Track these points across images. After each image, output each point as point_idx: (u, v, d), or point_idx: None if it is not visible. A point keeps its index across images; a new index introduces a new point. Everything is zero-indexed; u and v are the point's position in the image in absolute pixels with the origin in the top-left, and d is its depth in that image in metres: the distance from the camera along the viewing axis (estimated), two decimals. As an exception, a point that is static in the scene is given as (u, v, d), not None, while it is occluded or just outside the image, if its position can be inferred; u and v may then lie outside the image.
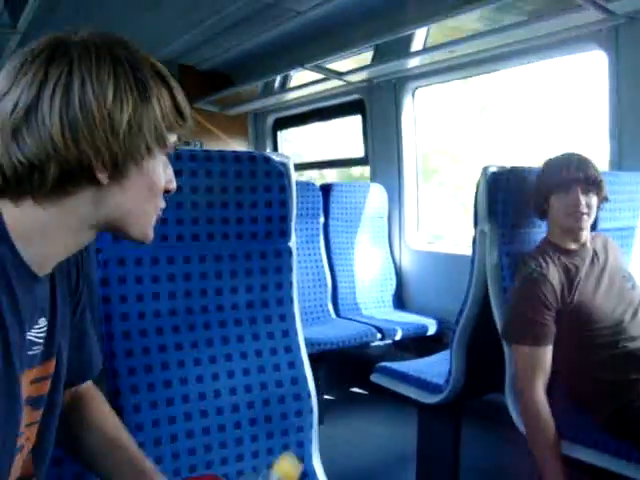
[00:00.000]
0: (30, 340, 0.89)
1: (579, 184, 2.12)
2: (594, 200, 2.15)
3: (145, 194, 0.91)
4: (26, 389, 0.89)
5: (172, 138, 0.91)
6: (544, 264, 2.11)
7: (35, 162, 0.80)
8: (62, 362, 0.99)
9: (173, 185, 0.96)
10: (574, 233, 2.17)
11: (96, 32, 0.87)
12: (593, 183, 2.13)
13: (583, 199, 2.12)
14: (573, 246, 2.19)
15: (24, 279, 0.85)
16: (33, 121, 0.79)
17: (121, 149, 0.83)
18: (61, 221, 0.86)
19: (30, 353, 0.89)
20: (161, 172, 0.92)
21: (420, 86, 4.31)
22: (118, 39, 0.87)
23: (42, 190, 0.82)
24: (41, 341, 0.92)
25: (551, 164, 2.21)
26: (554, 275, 2.09)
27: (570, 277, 2.12)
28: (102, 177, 0.84)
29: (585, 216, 2.13)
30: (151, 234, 0.95)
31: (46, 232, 0.86)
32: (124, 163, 0.85)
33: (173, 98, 0.89)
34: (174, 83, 0.90)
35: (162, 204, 0.95)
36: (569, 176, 2.13)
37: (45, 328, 0.93)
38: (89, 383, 1.19)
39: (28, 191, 0.82)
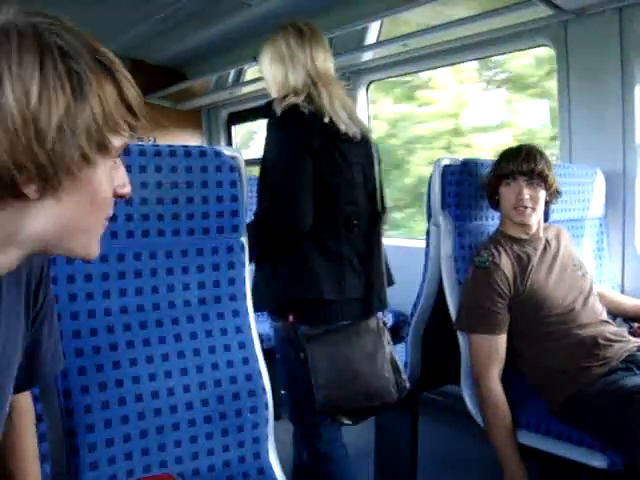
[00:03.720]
0: None
1: (523, 176, 2.16)
2: (541, 193, 2.18)
3: (86, 207, 0.77)
4: None
5: (118, 142, 0.76)
6: (496, 253, 2.14)
7: None
8: (6, 382, 0.91)
9: (126, 190, 0.83)
10: (522, 225, 2.21)
11: (23, 12, 0.71)
12: (538, 176, 2.16)
13: (527, 192, 2.15)
14: (524, 236, 2.23)
15: None
16: None
17: (50, 160, 0.69)
18: None
19: None
20: (105, 181, 0.78)
21: (374, 79, 4.32)
22: (51, 21, 0.71)
23: None
24: None
25: (502, 155, 2.25)
26: (506, 264, 2.13)
27: (522, 266, 2.16)
28: (29, 191, 0.71)
29: (529, 210, 2.17)
30: (95, 250, 0.83)
31: None
32: (55, 175, 0.71)
33: (120, 93, 0.74)
34: (122, 74, 0.75)
35: (109, 213, 0.82)
36: (514, 168, 2.16)
37: None
38: (27, 394, 1.14)
39: None
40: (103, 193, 0.78)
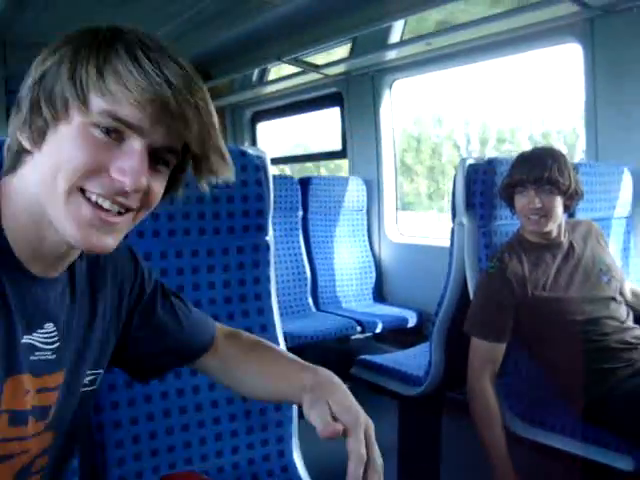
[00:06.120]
0: (31, 344, 0.84)
1: (533, 184, 2.08)
2: (556, 200, 2.09)
3: (50, 169, 0.77)
4: (29, 397, 0.84)
5: (99, 103, 0.75)
6: (507, 259, 2.11)
7: None
8: (74, 378, 0.93)
9: (122, 177, 0.77)
10: (537, 233, 2.16)
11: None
12: (549, 183, 2.06)
13: (538, 200, 2.07)
14: (544, 241, 2.18)
15: (17, 278, 0.82)
16: None
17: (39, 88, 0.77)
18: (19, 199, 0.81)
19: (33, 358, 0.84)
20: (76, 146, 0.76)
21: (398, 78, 4.31)
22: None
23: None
24: (49, 347, 0.87)
25: (515, 161, 2.18)
26: (516, 271, 2.09)
27: (539, 272, 2.12)
28: (22, 138, 0.79)
29: (542, 218, 2.10)
30: (77, 235, 0.79)
31: (16, 215, 0.82)
32: (39, 113, 0.77)
33: (119, 65, 0.75)
34: (140, 57, 0.76)
35: (77, 184, 0.77)
36: (523, 176, 2.10)
37: (55, 334, 0.88)
38: (215, 337, 1.17)
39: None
40: (68, 155, 0.77)
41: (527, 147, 2.31)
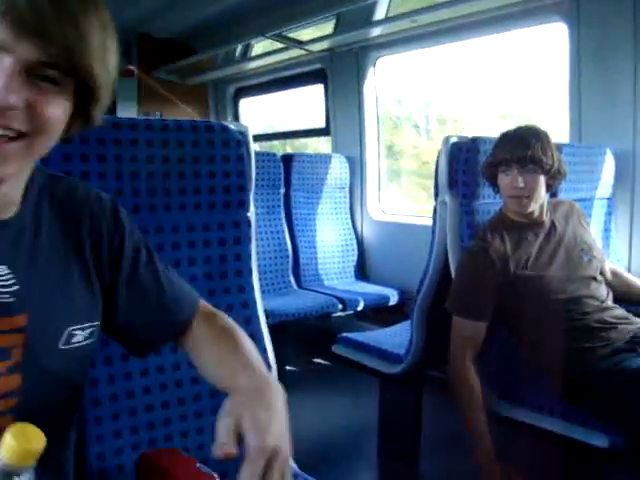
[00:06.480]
0: None
1: (516, 163, 2.08)
2: (538, 178, 2.10)
3: None
4: None
5: None
6: (489, 238, 2.11)
7: None
8: (44, 323, 0.90)
9: None
10: (520, 212, 2.17)
11: None
12: (532, 162, 2.07)
13: (522, 179, 2.08)
14: (526, 220, 2.18)
15: None
16: None
17: None
18: None
19: None
20: None
21: (382, 56, 4.29)
22: None
23: None
24: (5, 290, 0.86)
25: (498, 140, 2.18)
26: (498, 250, 2.09)
27: (521, 251, 2.12)
28: None
29: (524, 198, 2.11)
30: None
31: None
32: None
33: None
34: None
35: None
36: (506, 155, 2.10)
37: (10, 277, 0.86)
38: (196, 313, 1.14)
39: None
40: None
41: (483, 128, 2.31)
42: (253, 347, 1.08)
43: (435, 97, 4.74)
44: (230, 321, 1.17)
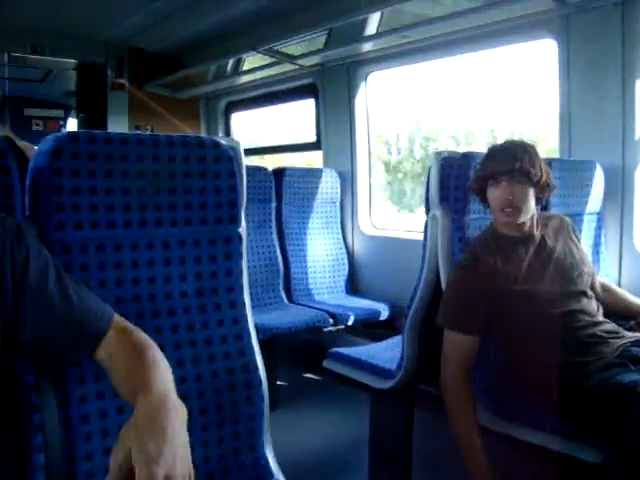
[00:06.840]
0: None
1: (505, 176, 2.09)
2: (528, 191, 2.10)
3: None
4: None
5: None
6: (480, 253, 2.12)
7: None
8: None
9: None
10: (510, 225, 2.16)
11: None
12: (521, 173, 2.07)
13: (511, 193, 2.08)
14: (516, 234, 2.18)
15: None
16: None
17: None
18: None
19: None
20: None
21: (373, 71, 4.31)
22: None
23: None
24: None
25: (487, 154, 2.18)
26: (489, 265, 2.09)
27: (511, 266, 2.12)
28: None
29: (514, 210, 2.10)
30: None
31: None
32: None
33: None
34: None
35: None
36: (495, 169, 2.10)
37: None
38: (110, 328, 1.17)
39: None
40: None
41: (450, 145, 2.33)
42: (162, 365, 1.11)
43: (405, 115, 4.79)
44: (143, 337, 1.20)
